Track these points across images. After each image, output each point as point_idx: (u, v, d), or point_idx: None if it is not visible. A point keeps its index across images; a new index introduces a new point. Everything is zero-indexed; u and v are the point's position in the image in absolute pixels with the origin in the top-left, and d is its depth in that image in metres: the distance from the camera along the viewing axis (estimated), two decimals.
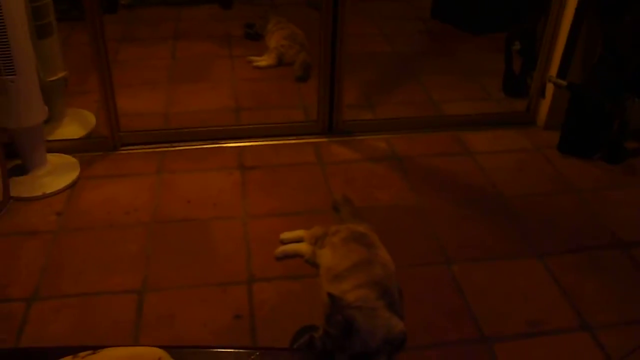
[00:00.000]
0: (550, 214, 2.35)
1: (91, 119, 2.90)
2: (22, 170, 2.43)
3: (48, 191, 2.36)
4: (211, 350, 0.90)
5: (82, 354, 0.86)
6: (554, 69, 2.80)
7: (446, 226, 2.24)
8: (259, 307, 1.86)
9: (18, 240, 2.14)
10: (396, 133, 2.85)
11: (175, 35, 4.01)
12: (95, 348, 0.87)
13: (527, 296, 1.95)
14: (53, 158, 2.52)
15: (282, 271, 2.01)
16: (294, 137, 2.79)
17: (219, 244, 2.13)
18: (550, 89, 2.86)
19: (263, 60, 3.54)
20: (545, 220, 2.30)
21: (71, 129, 2.77)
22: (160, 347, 0.88)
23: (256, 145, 2.74)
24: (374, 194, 2.41)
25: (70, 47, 3.30)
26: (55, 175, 2.44)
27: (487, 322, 1.83)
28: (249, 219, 2.25)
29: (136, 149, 2.68)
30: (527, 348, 1.76)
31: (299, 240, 2.08)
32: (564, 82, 2.73)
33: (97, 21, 2.43)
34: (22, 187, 2.37)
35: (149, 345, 0.88)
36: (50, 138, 2.61)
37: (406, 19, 4.38)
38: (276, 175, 2.53)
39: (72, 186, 2.42)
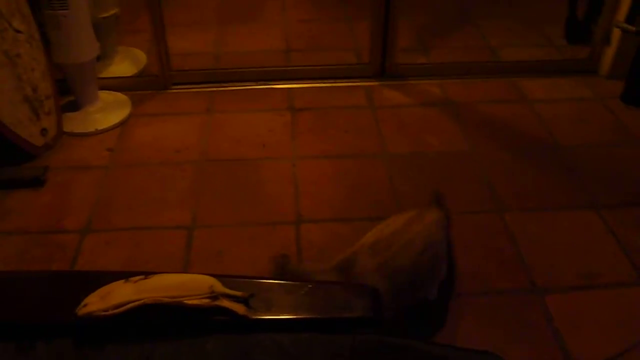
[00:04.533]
0: (609, 166, 2.25)
1: (142, 57, 2.89)
2: (74, 107, 2.46)
3: (100, 127, 2.38)
4: (263, 281, 0.88)
5: (134, 278, 0.85)
6: (621, 14, 2.64)
7: (500, 174, 2.17)
8: (306, 248, 1.85)
9: (71, 174, 2.17)
10: (450, 78, 2.76)
11: None
12: (147, 273, 0.86)
13: (583, 248, 1.88)
14: (105, 95, 2.53)
15: (331, 214, 1.99)
16: (346, 80, 2.73)
17: (267, 184, 2.12)
18: (616, 35, 2.70)
19: None
20: (604, 172, 2.21)
21: (122, 67, 2.78)
22: (213, 275, 0.87)
23: (307, 87, 2.69)
24: (426, 139, 2.35)
25: None
26: (107, 112, 2.46)
27: (540, 272, 1.78)
28: (298, 160, 2.23)
29: (186, 88, 2.67)
30: (580, 300, 1.70)
31: None
32: (632, 28, 2.57)
33: None
34: (74, 122, 2.40)
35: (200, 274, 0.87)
36: (102, 75, 2.62)
37: None
38: (326, 117, 2.48)
39: (123, 123, 2.43)
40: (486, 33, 3.19)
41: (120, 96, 2.56)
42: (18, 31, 2.10)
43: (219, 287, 0.84)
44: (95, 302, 0.80)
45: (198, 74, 2.73)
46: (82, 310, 0.80)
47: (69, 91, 2.45)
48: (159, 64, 2.63)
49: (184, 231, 1.91)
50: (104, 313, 0.79)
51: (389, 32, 2.66)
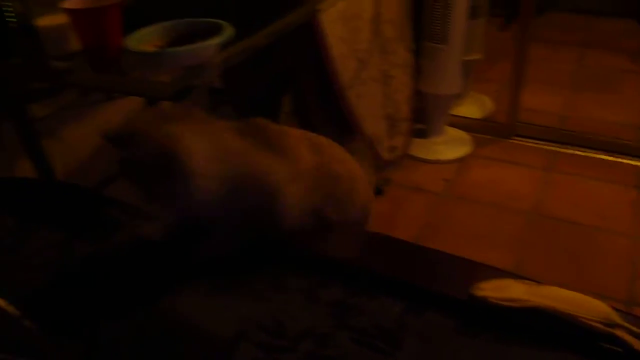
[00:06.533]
0: None
1: (488, 104, 2.97)
2: (422, 134, 2.62)
3: (441, 158, 2.50)
4: None
5: (526, 281, 0.86)
6: None
7: None
8: None
9: (407, 192, 2.32)
10: None
11: (583, 44, 3.86)
12: (537, 281, 0.87)
13: None
14: (450, 131, 2.66)
15: None
16: None
17: (600, 255, 1.99)
18: None
19: None
20: None
21: (470, 109, 2.89)
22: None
23: None
24: None
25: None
26: (450, 146, 2.57)
27: None
28: None
29: (528, 142, 2.66)
30: None
31: None
32: None
33: (528, 21, 2.46)
34: (419, 148, 2.55)
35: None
36: (452, 113, 2.75)
37: None
38: None
39: (461, 160, 2.52)
40: None
41: (464, 135, 2.66)
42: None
43: (616, 317, 0.80)
44: (490, 290, 0.83)
45: (542, 131, 2.70)
46: (477, 293, 0.83)
47: (421, 120, 2.62)
48: (507, 114, 2.67)
49: None
50: (499, 302, 0.81)
51: None
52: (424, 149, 2.55)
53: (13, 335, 0.80)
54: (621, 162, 2.52)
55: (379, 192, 2.29)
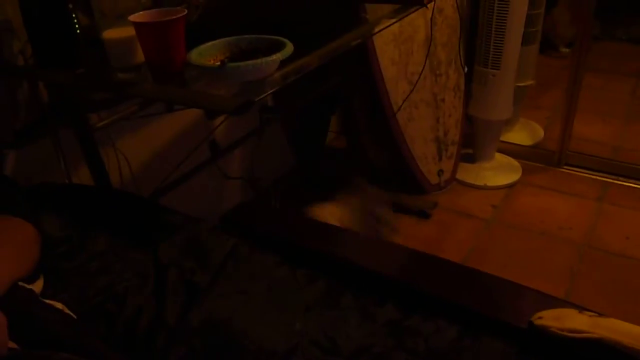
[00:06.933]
0: None
1: (539, 131, 2.93)
2: (470, 159, 2.60)
3: (489, 184, 2.47)
4: None
5: (587, 312, 0.84)
6: None
7: None
8: None
9: (454, 217, 2.29)
10: None
11: (637, 74, 3.77)
12: (599, 313, 0.84)
13: None
14: (499, 157, 2.62)
15: None
16: None
17: None
18: None
19: None
20: None
21: (520, 136, 2.84)
22: None
23: None
24: None
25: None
26: (498, 172, 2.54)
27: None
28: None
29: (579, 171, 2.61)
30: None
31: None
32: None
33: (585, 50, 2.42)
34: (466, 173, 2.53)
35: None
36: (501, 139, 2.71)
37: None
38: None
39: (510, 187, 2.48)
40: None
41: (513, 162, 2.62)
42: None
43: None
44: (551, 319, 0.81)
45: (594, 161, 2.63)
46: (537, 321, 0.81)
47: (470, 144, 2.60)
48: (558, 142, 2.62)
49: None
50: (560, 332, 0.79)
51: None
52: (472, 173, 2.52)
53: (71, 338, 0.81)
54: None
55: (425, 215, 2.27)
